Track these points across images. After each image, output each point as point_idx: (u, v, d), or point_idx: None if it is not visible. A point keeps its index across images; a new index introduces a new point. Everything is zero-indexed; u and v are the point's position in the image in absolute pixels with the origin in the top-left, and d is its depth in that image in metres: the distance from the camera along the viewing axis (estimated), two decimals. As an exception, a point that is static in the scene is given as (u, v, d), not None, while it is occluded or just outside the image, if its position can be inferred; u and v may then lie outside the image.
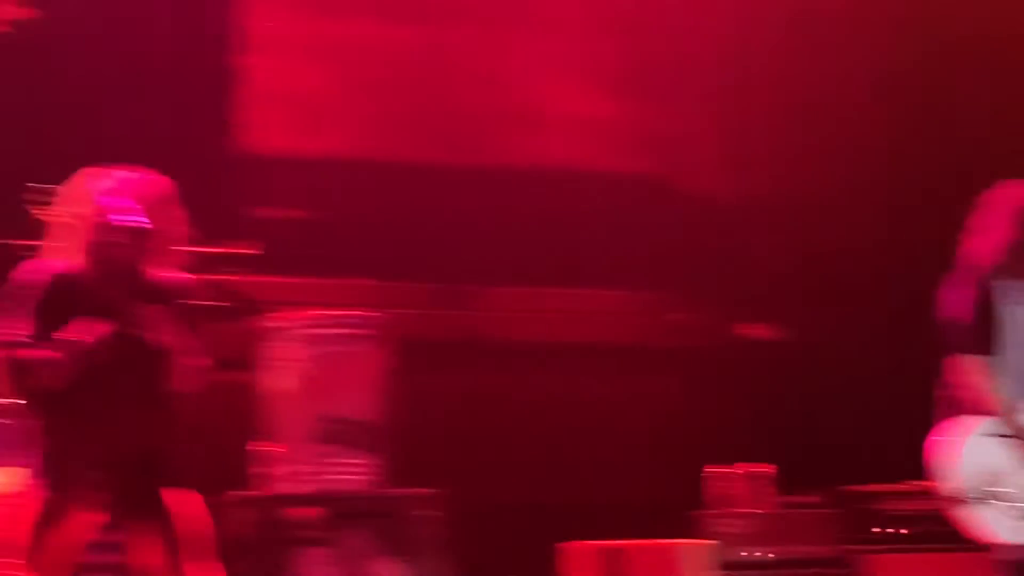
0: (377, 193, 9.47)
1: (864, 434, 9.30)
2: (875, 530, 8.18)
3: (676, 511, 8.07)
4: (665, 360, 9.83)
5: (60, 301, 5.40)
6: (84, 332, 5.29)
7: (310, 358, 7.30)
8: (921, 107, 9.79)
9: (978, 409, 5.94)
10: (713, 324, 10.03)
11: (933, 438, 6.02)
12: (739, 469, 8.28)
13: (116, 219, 5.33)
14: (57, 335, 5.29)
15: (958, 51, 9.74)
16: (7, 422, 6.62)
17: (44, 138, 8.50)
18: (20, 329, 5.33)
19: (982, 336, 5.95)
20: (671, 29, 10.08)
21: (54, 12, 8.86)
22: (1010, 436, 5.90)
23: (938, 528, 6.44)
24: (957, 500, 5.93)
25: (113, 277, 5.44)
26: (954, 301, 6.02)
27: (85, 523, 5.35)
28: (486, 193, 9.62)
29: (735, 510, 8.17)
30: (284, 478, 7.24)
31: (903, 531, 8.13)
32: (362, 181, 9.46)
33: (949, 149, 9.57)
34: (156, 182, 5.51)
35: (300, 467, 7.23)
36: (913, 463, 6.29)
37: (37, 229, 5.65)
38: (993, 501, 5.88)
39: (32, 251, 5.58)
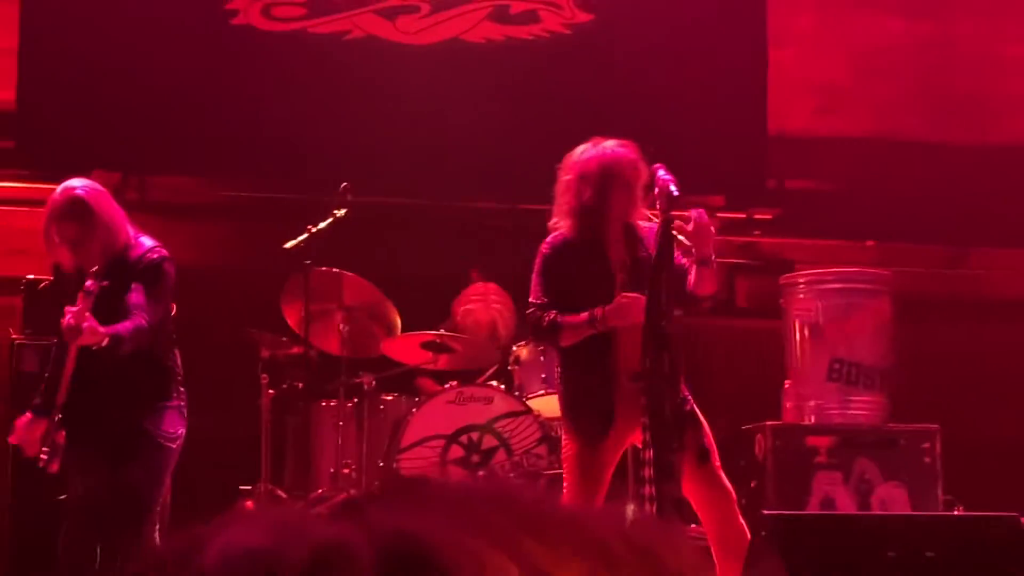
0: (888, 168, 9.38)
1: None
2: None
3: None
4: None
5: (570, 265, 5.42)
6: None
7: (826, 309, 7.45)
8: None
9: None
10: None
11: None
12: None
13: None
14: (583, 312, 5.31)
15: None
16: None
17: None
18: (544, 293, 5.42)
19: None
20: None
21: (606, 15, 9.04)
22: None
23: None
24: None
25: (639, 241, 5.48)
26: None
27: (616, 447, 5.45)
28: (987, 166, 9.45)
29: None
30: (805, 411, 7.45)
31: None
32: (875, 157, 9.38)
33: None
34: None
35: (818, 402, 7.42)
36: None
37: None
38: None
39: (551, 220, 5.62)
